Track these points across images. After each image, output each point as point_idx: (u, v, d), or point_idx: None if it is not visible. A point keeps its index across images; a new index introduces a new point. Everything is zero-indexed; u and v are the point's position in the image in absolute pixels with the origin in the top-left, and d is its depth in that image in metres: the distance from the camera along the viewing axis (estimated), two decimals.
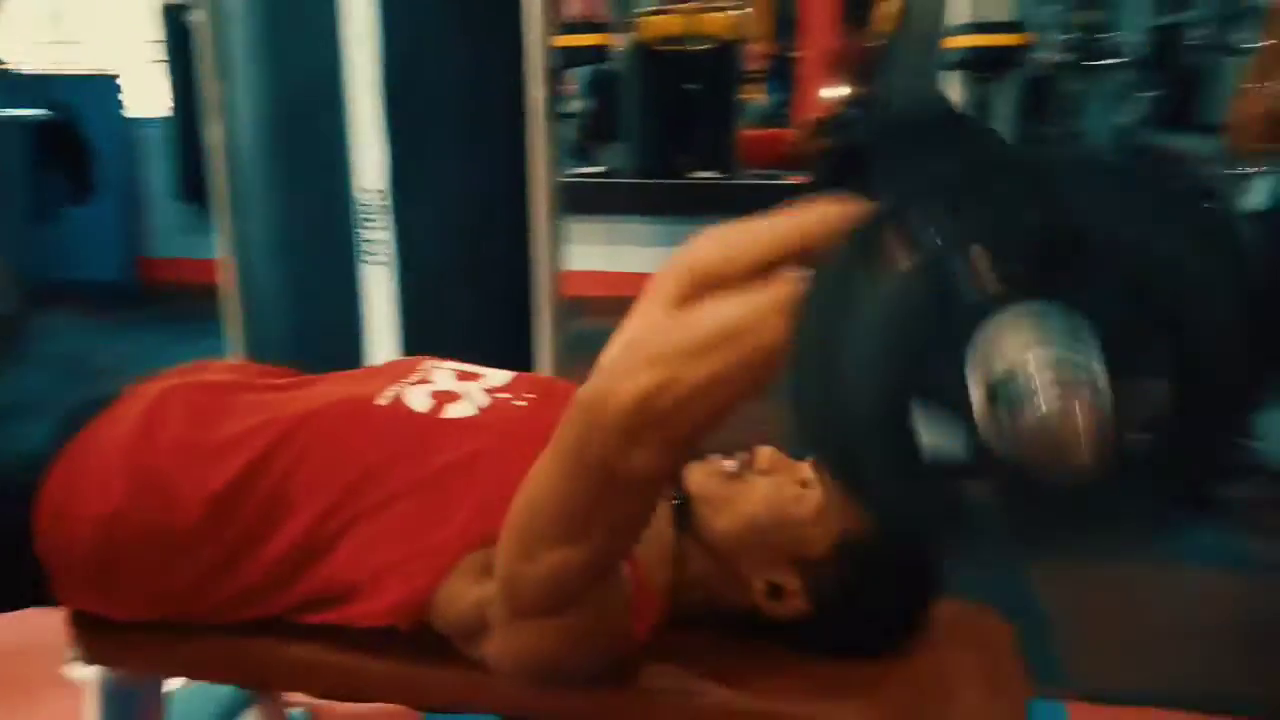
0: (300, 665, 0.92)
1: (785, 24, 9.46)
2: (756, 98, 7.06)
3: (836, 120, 6.40)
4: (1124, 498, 0.54)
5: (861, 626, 0.90)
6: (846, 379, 0.53)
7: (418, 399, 0.94)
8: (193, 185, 4.57)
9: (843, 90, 7.19)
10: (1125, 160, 0.50)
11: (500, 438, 0.89)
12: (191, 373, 1.03)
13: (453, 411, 0.93)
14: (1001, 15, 1.90)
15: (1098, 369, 0.49)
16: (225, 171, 1.94)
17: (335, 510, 0.87)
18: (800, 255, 0.66)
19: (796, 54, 8.91)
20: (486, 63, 1.77)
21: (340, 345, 1.80)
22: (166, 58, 4.44)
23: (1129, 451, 0.51)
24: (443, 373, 0.99)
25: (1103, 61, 5.16)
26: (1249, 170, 2.16)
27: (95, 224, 4.19)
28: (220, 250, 1.98)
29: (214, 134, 1.93)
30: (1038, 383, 0.49)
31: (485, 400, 0.95)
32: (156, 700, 1.10)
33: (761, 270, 0.66)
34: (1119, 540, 0.57)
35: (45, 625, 1.55)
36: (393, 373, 0.99)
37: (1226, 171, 2.56)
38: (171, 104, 4.46)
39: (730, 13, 5.74)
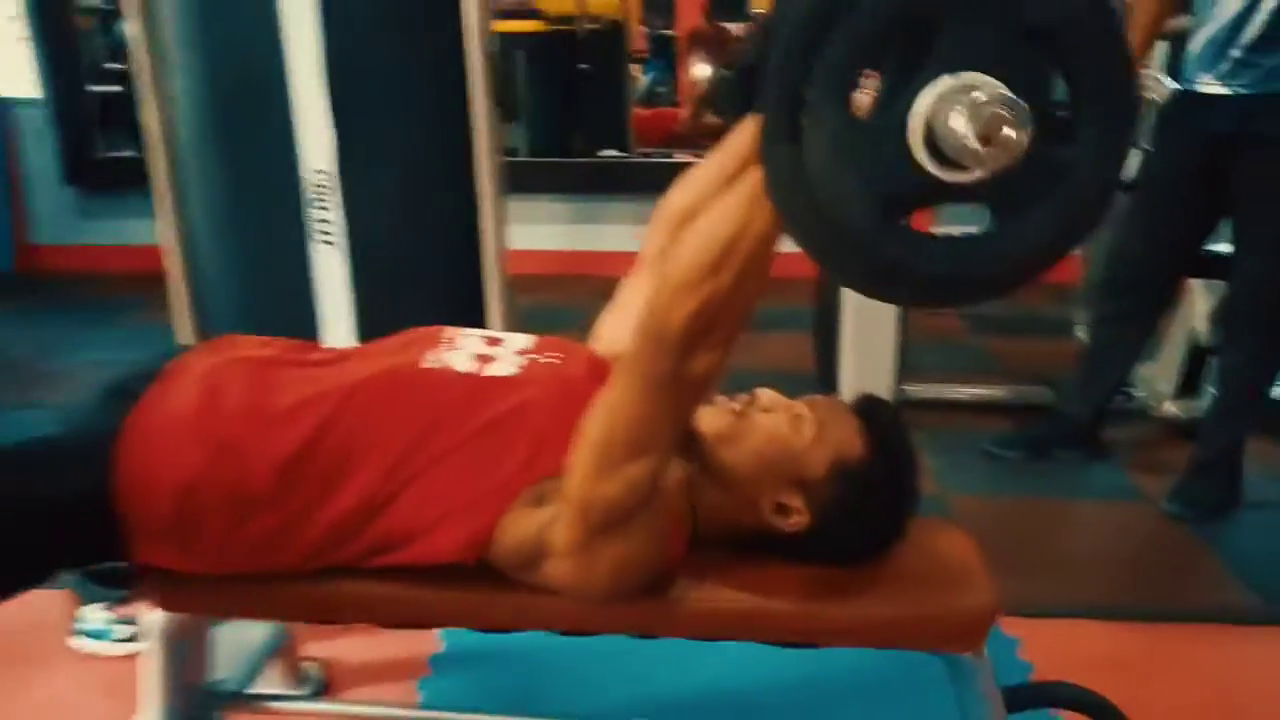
0: (366, 599, 1.01)
1: (664, 5, 9.62)
2: (639, 78, 7.19)
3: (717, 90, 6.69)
4: (1034, 192, 0.69)
5: (853, 535, 1.03)
6: (839, 215, 0.70)
7: (461, 361, 1.02)
8: (77, 167, 4.40)
9: (714, 69, 7.42)
10: None
11: (542, 389, 0.99)
12: (226, 348, 1.08)
13: (495, 370, 1.02)
14: None
15: (994, 85, 0.64)
16: (164, 155, 1.93)
17: (398, 466, 0.95)
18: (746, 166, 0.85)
19: (674, 34, 9.10)
20: (427, 45, 1.81)
21: (293, 323, 1.83)
22: (34, 36, 4.25)
23: (1039, 155, 0.66)
24: (470, 339, 1.08)
25: None
26: None
27: None
28: (162, 234, 1.97)
29: (151, 117, 1.91)
30: (964, 108, 0.64)
31: (519, 359, 1.04)
32: (204, 646, 1.16)
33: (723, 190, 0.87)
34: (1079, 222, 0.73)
35: (46, 604, 1.58)
36: (423, 341, 1.07)
37: None
38: (46, 84, 4.28)
39: None
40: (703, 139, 6.52)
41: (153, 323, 3.70)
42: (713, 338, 0.82)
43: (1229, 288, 2.17)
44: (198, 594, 1.05)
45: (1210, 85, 2.01)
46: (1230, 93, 1.97)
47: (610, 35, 5.25)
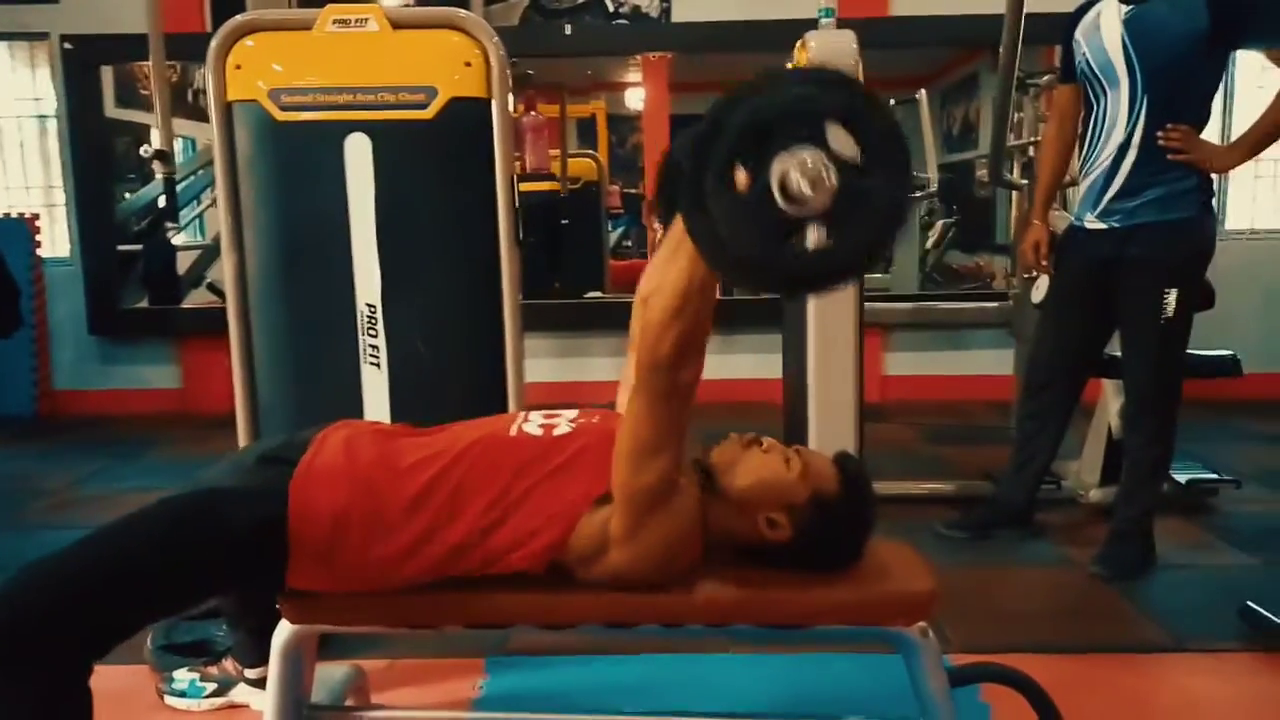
0: (457, 606, 1.33)
1: (633, 168, 10.44)
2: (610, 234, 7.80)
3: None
4: (855, 209, 1.06)
5: (824, 548, 1.38)
6: (742, 249, 1.08)
7: (533, 429, 1.39)
8: (101, 319, 4.78)
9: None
10: (750, 83, 1.08)
11: (593, 439, 1.36)
12: (348, 427, 1.43)
13: (558, 432, 1.39)
14: None
15: (809, 151, 1.03)
16: (237, 294, 2.27)
17: (498, 500, 1.30)
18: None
19: (642, 193, 9.85)
20: (459, 204, 2.22)
21: None
22: (74, 203, 4.71)
23: (849, 186, 1.05)
24: (536, 414, 1.45)
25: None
26: (1034, 275, 2.91)
27: (6, 358, 4.31)
28: (233, 362, 2.27)
29: (230, 264, 2.27)
30: (791, 176, 1.04)
31: (573, 423, 1.41)
32: (312, 663, 1.46)
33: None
34: (898, 205, 1.09)
35: (133, 675, 1.85)
36: (503, 420, 1.45)
37: (1023, 276, 3.35)
38: (80, 245, 4.71)
39: (587, 160, 6.53)
40: None
41: (172, 457, 4.02)
42: (690, 353, 1.19)
43: (1124, 384, 2.60)
44: (324, 609, 1.37)
45: (1093, 222, 2.51)
46: (1106, 227, 2.47)
47: (588, 194, 5.86)
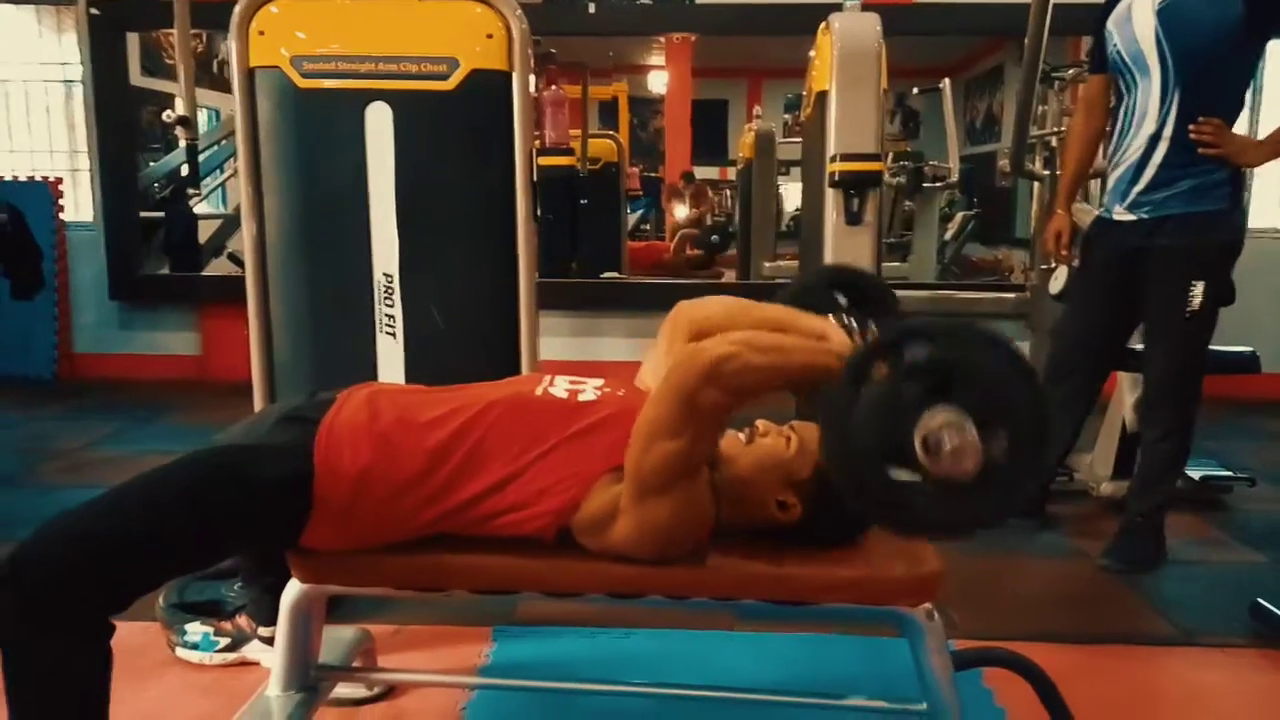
0: (465, 570, 1.34)
1: (654, 152, 10.42)
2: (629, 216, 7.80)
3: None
4: (990, 491, 1.10)
5: (833, 519, 1.38)
6: (854, 439, 1.11)
7: (559, 392, 1.40)
8: (122, 284, 4.81)
9: (690, 211, 8.11)
10: (978, 330, 1.14)
11: (615, 409, 1.36)
12: (369, 387, 1.43)
13: (583, 398, 1.39)
14: (864, 149, 2.70)
15: (972, 429, 1.06)
16: (256, 261, 2.28)
17: (518, 456, 1.31)
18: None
19: (661, 177, 9.86)
20: (478, 176, 2.22)
21: None
22: (99, 169, 4.74)
23: (991, 467, 1.07)
24: (562, 379, 1.46)
25: (928, 184, 6.15)
26: (1053, 266, 2.90)
27: (27, 321, 4.34)
28: (250, 328, 2.28)
29: (249, 229, 2.27)
30: (945, 433, 1.06)
31: (597, 392, 1.42)
32: (320, 623, 1.48)
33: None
34: (989, 517, 1.13)
35: (146, 630, 1.87)
36: (529, 380, 1.45)
37: (1041, 268, 3.33)
38: (103, 210, 4.74)
39: (607, 140, 6.52)
40: (682, 268, 7.12)
41: (187, 422, 4.06)
42: (722, 383, 1.17)
43: (1144, 376, 2.59)
44: (333, 569, 1.38)
45: (1121, 214, 2.49)
46: (1135, 218, 2.45)
47: (607, 175, 5.85)
